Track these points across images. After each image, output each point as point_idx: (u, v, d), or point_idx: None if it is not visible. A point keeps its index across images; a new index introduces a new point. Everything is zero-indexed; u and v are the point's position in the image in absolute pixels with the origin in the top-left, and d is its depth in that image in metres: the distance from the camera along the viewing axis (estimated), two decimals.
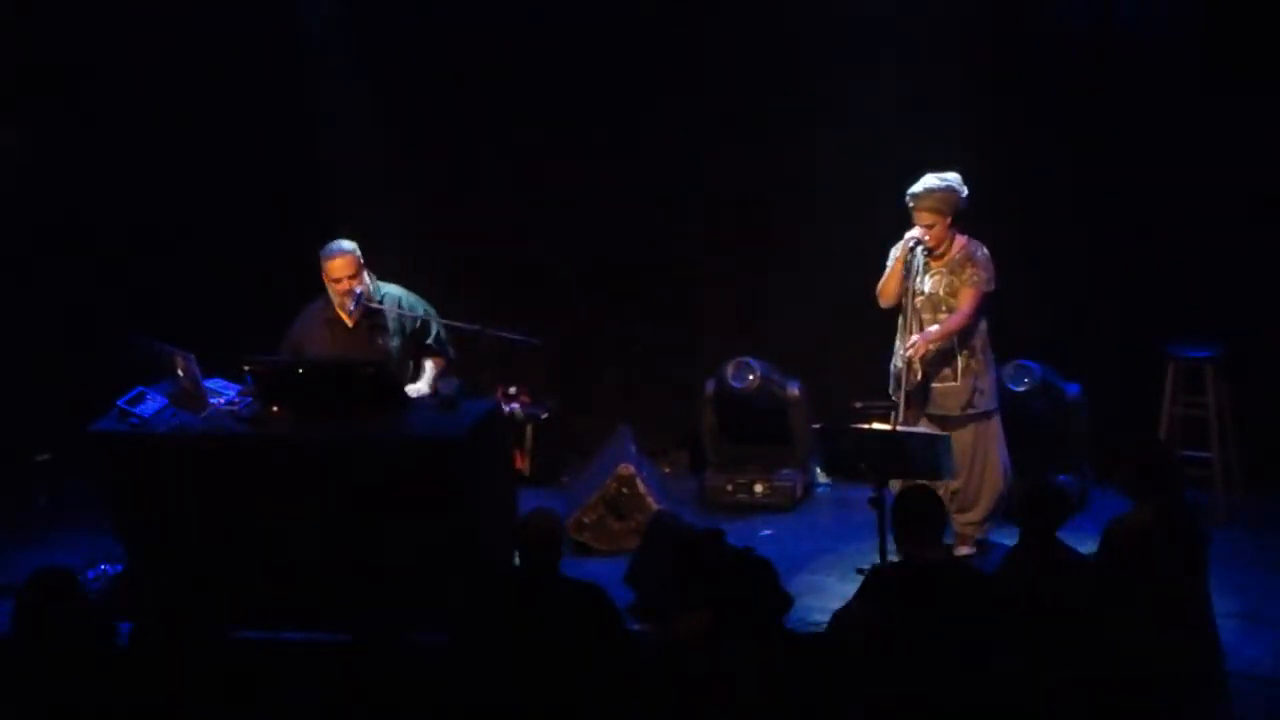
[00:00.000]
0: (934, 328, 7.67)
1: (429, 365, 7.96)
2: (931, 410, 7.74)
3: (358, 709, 5.63)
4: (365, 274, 7.86)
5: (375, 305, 7.86)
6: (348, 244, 7.85)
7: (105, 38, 9.47)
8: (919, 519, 5.93)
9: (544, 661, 5.63)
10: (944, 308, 7.72)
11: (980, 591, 5.83)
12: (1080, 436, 8.66)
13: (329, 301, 7.89)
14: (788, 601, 5.69)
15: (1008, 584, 5.99)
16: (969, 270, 7.70)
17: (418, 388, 7.80)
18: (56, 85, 9.49)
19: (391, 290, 7.96)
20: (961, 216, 7.73)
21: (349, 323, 7.88)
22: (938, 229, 7.66)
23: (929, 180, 7.67)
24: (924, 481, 7.35)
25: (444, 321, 8.00)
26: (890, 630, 5.55)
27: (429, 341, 7.96)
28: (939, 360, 7.72)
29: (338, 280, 7.79)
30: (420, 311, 7.96)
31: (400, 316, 7.90)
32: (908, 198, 7.67)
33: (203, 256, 9.66)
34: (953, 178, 7.69)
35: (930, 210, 7.64)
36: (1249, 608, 7.38)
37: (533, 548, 5.89)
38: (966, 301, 7.68)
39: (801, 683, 5.35)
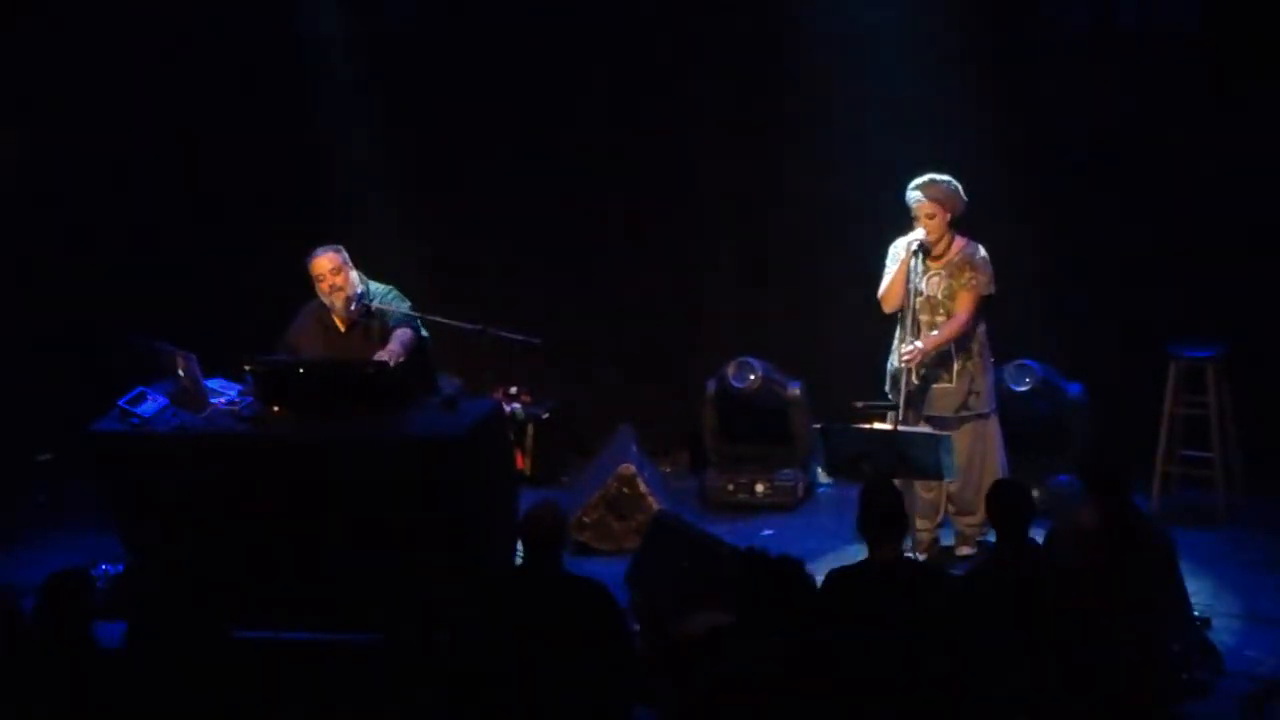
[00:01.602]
0: (932, 334, 7.66)
1: (395, 334, 7.84)
2: (927, 412, 7.74)
3: (358, 708, 5.63)
4: (353, 273, 7.84)
5: (372, 306, 7.85)
6: (330, 247, 7.83)
7: (107, 38, 9.48)
8: (886, 517, 5.96)
9: (546, 657, 5.62)
10: (941, 310, 7.72)
11: (938, 590, 5.86)
12: (1082, 436, 8.66)
13: (354, 299, 7.87)
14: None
15: (980, 583, 6.00)
16: (967, 274, 7.70)
17: (387, 349, 7.71)
18: (57, 85, 9.49)
19: (380, 289, 7.96)
20: (960, 220, 7.74)
21: (341, 326, 7.87)
22: (937, 220, 7.67)
23: (933, 174, 7.69)
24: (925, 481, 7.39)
25: (445, 321, 7.98)
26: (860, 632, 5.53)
27: (391, 324, 7.87)
28: (935, 362, 7.73)
29: (320, 278, 7.78)
30: (393, 303, 7.91)
31: (381, 312, 7.89)
32: (911, 188, 7.67)
33: (204, 256, 9.67)
34: (953, 179, 7.71)
35: (934, 200, 7.64)
36: (1250, 608, 7.38)
37: (536, 541, 5.87)
38: (964, 306, 7.68)
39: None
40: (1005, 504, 6.10)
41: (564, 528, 5.98)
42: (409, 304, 7.92)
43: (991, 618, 5.75)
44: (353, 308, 7.81)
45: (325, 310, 7.86)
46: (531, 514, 5.99)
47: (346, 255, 7.83)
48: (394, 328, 7.81)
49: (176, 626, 5.67)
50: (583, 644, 5.68)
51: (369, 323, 7.87)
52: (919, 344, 7.59)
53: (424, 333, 7.97)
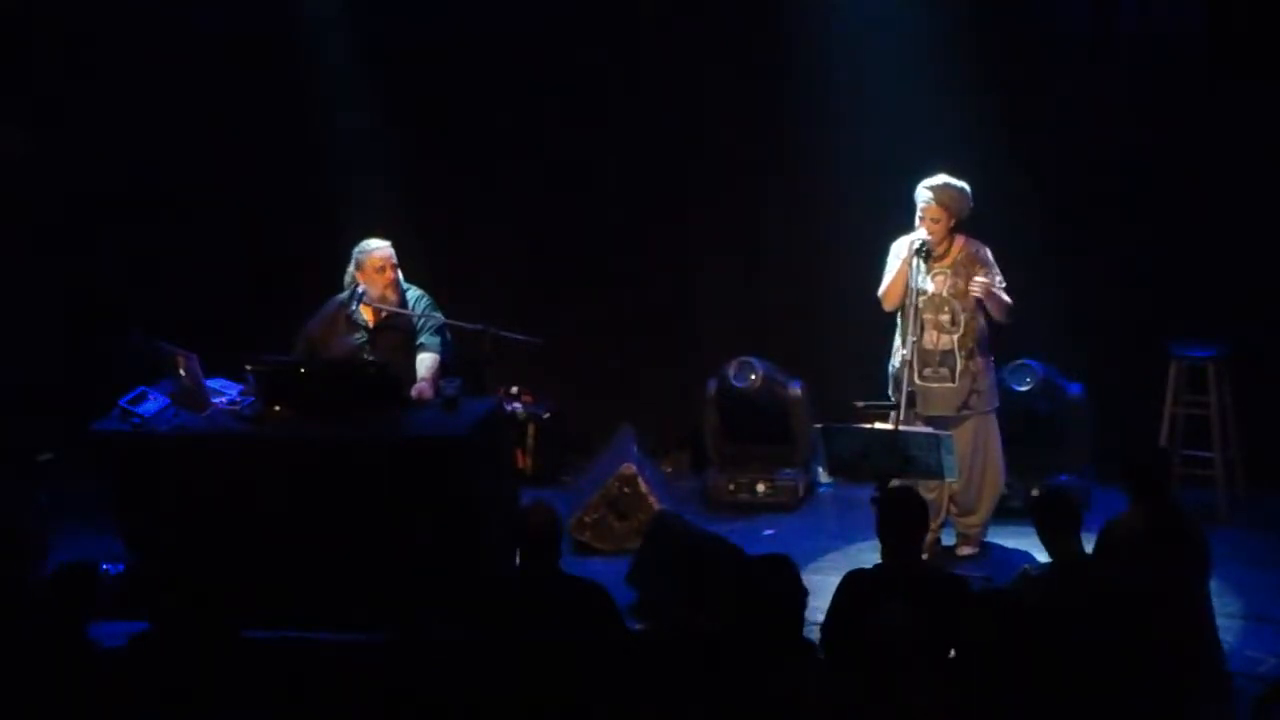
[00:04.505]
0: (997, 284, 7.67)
1: (420, 359, 7.93)
2: (929, 411, 7.74)
3: (357, 708, 5.63)
4: (399, 274, 7.93)
5: (400, 311, 7.87)
6: (386, 242, 7.97)
7: (109, 37, 9.47)
8: (909, 522, 5.94)
9: (543, 659, 5.62)
10: (947, 309, 7.73)
11: (962, 595, 5.85)
12: (1082, 436, 8.66)
13: (351, 299, 7.89)
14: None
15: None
16: (981, 274, 7.70)
17: (417, 387, 7.77)
18: (58, 83, 9.49)
19: (414, 294, 8.01)
20: (963, 225, 7.75)
21: (371, 320, 7.90)
22: (941, 224, 7.68)
23: (946, 177, 7.69)
24: (923, 481, 7.39)
25: (447, 321, 8.00)
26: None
27: (421, 340, 7.95)
28: (938, 361, 7.74)
29: (383, 269, 7.87)
30: (423, 310, 7.96)
31: (410, 317, 7.92)
32: (923, 187, 7.68)
33: (205, 256, 9.67)
34: (966, 185, 7.71)
35: (942, 204, 7.65)
36: (1250, 608, 7.38)
37: (532, 544, 5.86)
38: (999, 302, 7.71)
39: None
40: (1054, 512, 6.07)
41: (558, 528, 5.96)
42: (440, 313, 7.96)
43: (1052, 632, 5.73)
44: (354, 307, 7.83)
45: (354, 304, 7.87)
46: (525, 515, 5.98)
47: (395, 257, 7.95)
48: (420, 344, 7.88)
49: (195, 626, 5.67)
50: (580, 644, 5.67)
51: (395, 320, 7.89)
52: (981, 280, 7.62)
53: (448, 342, 8.00)
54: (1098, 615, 5.71)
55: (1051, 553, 6.06)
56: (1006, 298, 7.71)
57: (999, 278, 7.75)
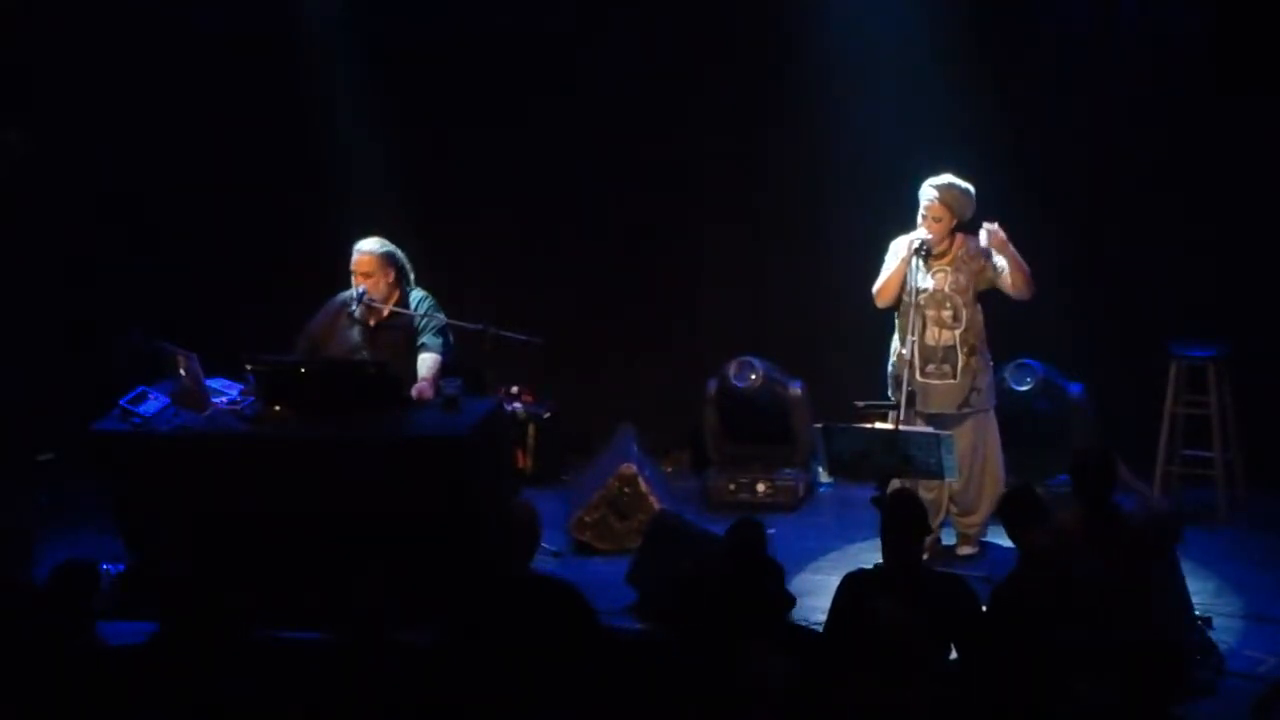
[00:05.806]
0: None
1: (421, 359, 7.93)
2: (930, 409, 7.75)
3: (355, 708, 5.63)
4: (387, 279, 7.88)
5: (401, 310, 7.86)
6: (375, 244, 7.91)
7: (109, 35, 9.47)
8: (911, 523, 5.96)
9: (515, 657, 5.61)
10: (949, 304, 7.74)
11: (965, 595, 5.87)
12: (1083, 436, 8.64)
13: (355, 298, 7.89)
14: (790, 601, 5.71)
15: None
16: (985, 261, 7.69)
17: (418, 386, 7.77)
18: (58, 82, 9.49)
19: (417, 295, 8.00)
20: (964, 226, 7.75)
21: (371, 321, 7.90)
22: (943, 224, 7.68)
23: (952, 177, 7.69)
24: (925, 481, 7.41)
25: (449, 321, 8.00)
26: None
27: (422, 340, 7.95)
28: (941, 358, 7.74)
29: (354, 272, 7.87)
30: (425, 311, 7.96)
31: (412, 317, 7.93)
32: (928, 185, 7.68)
33: (206, 256, 9.67)
34: (971, 186, 7.71)
35: (945, 204, 7.66)
36: (1250, 607, 7.38)
37: (516, 543, 5.85)
38: (1018, 267, 7.68)
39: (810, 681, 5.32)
40: (1017, 506, 6.12)
41: (536, 527, 5.96)
42: (436, 311, 7.94)
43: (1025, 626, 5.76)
44: (354, 307, 7.84)
45: (355, 303, 7.88)
46: (508, 513, 5.98)
47: (391, 259, 7.90)
48: (422, 344, 7.87)
49: (198, 627, 5.67)
50: (552, 644, 5.66)
51: (395, 320, 7.89)
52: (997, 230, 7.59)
53: (450, 344, 8.00)
54: (1064, 605, 5.76)
55: (1019, 546, 6.11)
56: (1024, 275, 7.67)
57: None
